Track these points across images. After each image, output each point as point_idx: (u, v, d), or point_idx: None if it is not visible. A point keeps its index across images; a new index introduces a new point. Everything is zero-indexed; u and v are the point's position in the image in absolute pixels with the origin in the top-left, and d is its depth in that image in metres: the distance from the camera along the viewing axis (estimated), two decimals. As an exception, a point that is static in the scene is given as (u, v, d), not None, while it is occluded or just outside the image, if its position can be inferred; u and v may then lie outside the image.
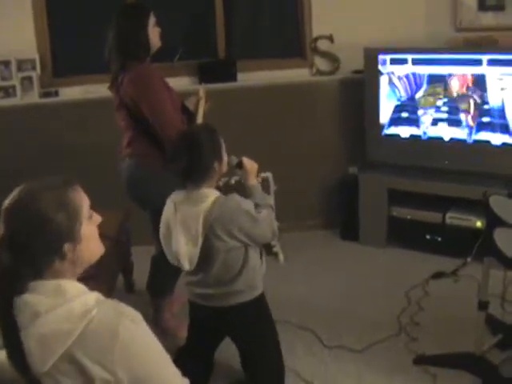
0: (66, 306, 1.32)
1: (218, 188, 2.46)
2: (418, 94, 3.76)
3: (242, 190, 2.52)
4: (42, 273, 1.35)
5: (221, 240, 2.29)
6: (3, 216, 1.34)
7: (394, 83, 3.84)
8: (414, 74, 3.75)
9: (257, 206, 2.41)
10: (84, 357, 1.29)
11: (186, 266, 2.33)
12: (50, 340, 1.28)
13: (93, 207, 1.47)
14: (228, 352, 2.64)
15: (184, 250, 2.30)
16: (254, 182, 2.52)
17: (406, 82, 3.79)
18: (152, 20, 2.83)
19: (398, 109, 3.87)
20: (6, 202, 1.35)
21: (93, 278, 1.63)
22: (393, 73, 3.83)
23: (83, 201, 1.42)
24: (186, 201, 2.34)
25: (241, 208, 2.32)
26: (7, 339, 1.30)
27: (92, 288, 1.42)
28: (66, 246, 1.35)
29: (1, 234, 1.33)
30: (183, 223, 2.31)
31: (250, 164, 2.51)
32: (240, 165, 2.51)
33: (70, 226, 1.36)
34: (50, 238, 1.33)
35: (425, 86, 3.73)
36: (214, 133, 2.38)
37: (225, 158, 2.40)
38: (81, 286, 1.40)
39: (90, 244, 1.43)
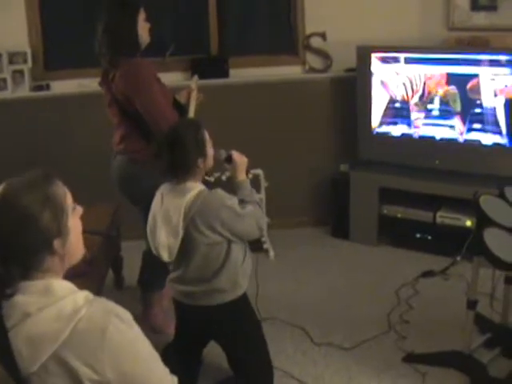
0: (55, 305, 1.30)
1: (206, 183, 2.44)
2: (413, 100, 3.77)
3: (232, 185, 2.50)
4: (31, 272, 1.32)
5: (202, 234, 2.28)
6: None
7: (386, 82, 3.84)
8: (409, 79, 3.74)
9: (242, 201, 2.38)
10: (72, 357, 1.27)
11: (165, 256, 2.32)
12: (39, 340, 1.27)
13: (83, 202, 1.46)
14: (217, 349, 2.63)
15: (164, 240, 2.30)
16: (243, 177, 2.47)
17: (401, 86, 3.79)
18: (142, 15, 2.81)
19: (391, 110, 3.88)
20: None
21: (83, 274, 1.62)
22: (385, 72, 3.83)
23: (66, 193, 1.39)
24: (171, 193, 2.35)
25: (223, 203, 2.30)
26: None
27: (82, 284, 1.40)
28: (56, 242, 1.33)
29: None
30: (165, 214, 2.31)
31: (239, 158, 2.47)
32: (229, 159, 2.48)
33: (57, 221, 1.33)
34: (38, 237, 1.30)
35: (420, 91, 3.73)
36: (198, 129, 2.35)
37: (210, 153, 2.38)
38: (70, 285, 1.38)
39: (77, 237, 1.42)
